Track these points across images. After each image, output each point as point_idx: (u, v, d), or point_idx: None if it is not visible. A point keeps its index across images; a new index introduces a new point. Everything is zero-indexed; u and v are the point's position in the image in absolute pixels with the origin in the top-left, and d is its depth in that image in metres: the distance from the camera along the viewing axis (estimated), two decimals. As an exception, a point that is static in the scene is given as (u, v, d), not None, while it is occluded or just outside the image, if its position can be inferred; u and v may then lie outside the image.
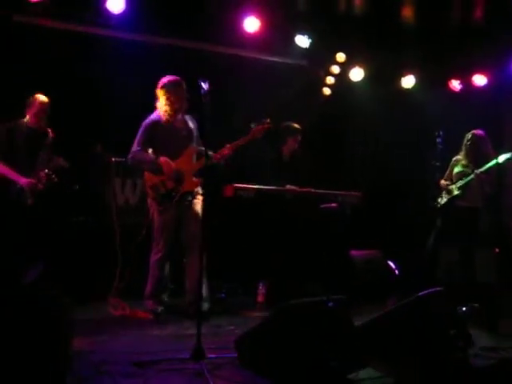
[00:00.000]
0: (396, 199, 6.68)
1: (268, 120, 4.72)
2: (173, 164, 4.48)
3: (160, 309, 4.54)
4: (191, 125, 4.66)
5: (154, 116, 4.59)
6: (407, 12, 6.31)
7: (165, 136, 4.54)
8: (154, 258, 4.59)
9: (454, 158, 5.65)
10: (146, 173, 4.58)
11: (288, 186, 5.47)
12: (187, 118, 4.67)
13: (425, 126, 6.03)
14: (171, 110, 4.52)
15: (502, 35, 6.31)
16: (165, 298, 4.70)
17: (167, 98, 4.50)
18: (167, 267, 4.69)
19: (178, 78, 4.55)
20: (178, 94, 4.52)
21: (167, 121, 4.55)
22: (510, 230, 7.04)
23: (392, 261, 5.97)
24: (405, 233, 6.40)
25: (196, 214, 4.52)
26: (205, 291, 4.33)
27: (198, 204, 4.57)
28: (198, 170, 4.55)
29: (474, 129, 5.68)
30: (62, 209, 5.03)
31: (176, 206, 4.51)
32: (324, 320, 3.00)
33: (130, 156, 4.53)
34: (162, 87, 4.51)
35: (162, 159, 4.46)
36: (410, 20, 6.35)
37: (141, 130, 4.55)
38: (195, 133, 4.65)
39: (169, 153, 4.50)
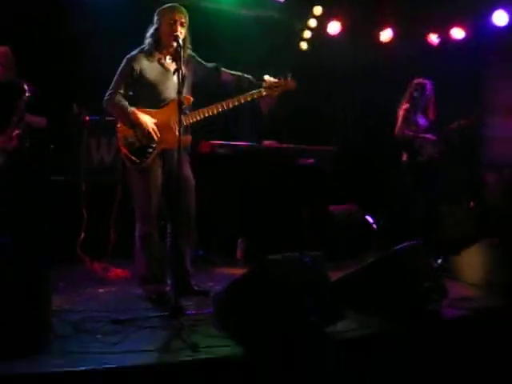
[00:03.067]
0: (373, 154, 6.70)
1: (290, 77, 3.97)
2: (146, 116, 3.75)
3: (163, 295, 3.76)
4: (186, 67, 3.75)
5: (138, 50, 3.86)
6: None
7: (149, 77, 3.79)
8: (140, 233, 3.85)
9: (404, 107, 5.69)
10: (119, 124, 3.85)
11: (265, 142, 5.46)
12: (187, 57, 3.82)
13: (403, 79, 5.99)
14: (160, 39, 3.80)
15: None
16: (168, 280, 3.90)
17: (159, 25, 3.78)
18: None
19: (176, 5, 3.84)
20: (172, 19, 3.74)
21: (155, 57, 3.82)
22: (485, 184, 7.16)
23: (370, 215, 6.04)
24: (382, 188, 6.45)
25: (186, 180, 3.81)
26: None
27: (187, 165, 3.91)
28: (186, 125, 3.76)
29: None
30: (36, 169, 4.96)
31: (159, 165, 3.82)
32: (301, 275, 3.04)
33: (104, 100, 3.82)
34: (159, 11, 3.82)
35: (132, 112, 3.72)
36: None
37: (121, 65, 3.83)
38: (190, 79, 3.89)
39: (150, 99, 3.81)
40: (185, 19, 3.79)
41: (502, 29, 6.71)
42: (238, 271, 4.68)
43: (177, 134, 3.54)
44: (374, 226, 5.97)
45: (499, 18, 6.63)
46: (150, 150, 3.77)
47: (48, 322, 2.87)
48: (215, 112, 3.85)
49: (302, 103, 6.45)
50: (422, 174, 5.66)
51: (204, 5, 6.09)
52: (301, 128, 6.04)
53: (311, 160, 5.65)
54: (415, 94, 5.64)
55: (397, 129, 5.68)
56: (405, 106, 5.66)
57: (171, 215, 3.89)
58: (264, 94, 3.88)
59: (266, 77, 3.93)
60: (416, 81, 5.74)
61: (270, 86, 3.89)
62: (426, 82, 5.74)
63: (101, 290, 4.13)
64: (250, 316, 2.93)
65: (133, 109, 3.75)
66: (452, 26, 7.02)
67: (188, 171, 3.92)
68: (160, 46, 3.82)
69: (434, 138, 5.64)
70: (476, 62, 7.09)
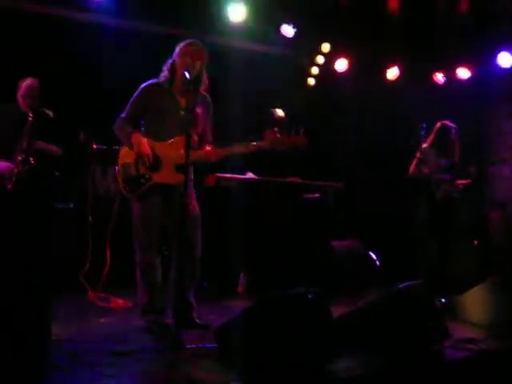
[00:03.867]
0: (379, 191, 6.69)
1: (303, 135, 3.70)
2: (146, 145, 3.67)
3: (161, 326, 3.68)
4: (200, 107, 3.80)
5: (153, 80, 3.83)
6: (393, 3, 6.31)
7: (159, 109, 3.75)
8: (140, 263, 3.77)
9: (424, 146, 5.73)
10: (123, 149, 3.82)
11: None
12: (202, 96, 3.82)
13: (409, 118, 6.05)
14: (177, 74, 3.72)
15: (486, 29, 6.35)
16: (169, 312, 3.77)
17: (176, 58, 3.73)
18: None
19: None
20: (195, 57, 3.68)
21: (169, 90, 3.75)
22: (490, 221, 7.14)
23: (373, 251, 5.99)
24: (387, 224, 6.42)
25: (191, 212, 3.72)
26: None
27: (193, 198, 3.84)
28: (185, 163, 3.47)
29: (455, 121, 5.84)
30: (42, 195, 4.97)
31: (159, 196, 3.74)
32: (304, 312, 3.00)
33: (115, 123, 3.85)
34: (179, 44, 3.77)
35: (135, 137, 3.67)
36: (396, 11, 6.35)
37: (135, 93, 3.82)
38: (204, 119, 3.85)
39: (157, 131, 3.75)
40: (202, 54, 3.77)
41: (507, 70, 6.75)
42: (241, 304, 4.69)
43: (174, 170, 3.60)
44: (377, 262, 5.92)
45: (504, 59, 6.69)
46: (144, 180, 3.71)
47: (47, 352, 2.82)
48: (213, 160, 3.81)
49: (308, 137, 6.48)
50: (438, 213, 5.68)
51: (215, 41, 6.15)
52: (307, 163, 6.02)
53: (317, 195, 5.63)
54: (436, 136, 5.77)
55: (412, 167, 5.74)
56: (424, 145, 5.71)
57: (176, 247, 3.78)
58: (268, 146, 3.72)
59: (276, 129, 3.84)
60: (440, 123, 5.85)
61: (277, 141, 3.71)
62: (450, 125, 5.86)
63: (101, 321, 4.08)
64: (251, 352, 2.88)
65: (137, 133, 3.73)
66: (458, 66, 7.11)
67: (194, 204, 3.86)
68: (174, 79, 3.79)
69: (449, 177, 5.73)
70: (481, 102, 7.15)
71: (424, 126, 5.72)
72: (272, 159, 5.55)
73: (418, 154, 5.72)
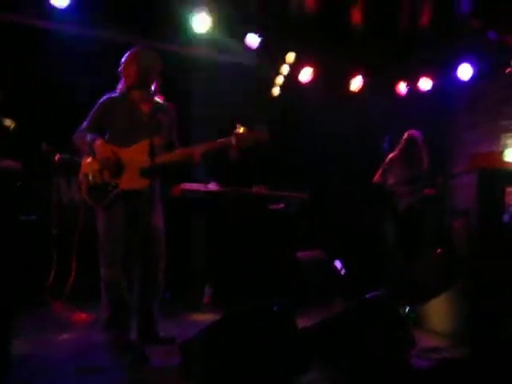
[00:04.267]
0: (345, 201, 6.72)
1: (265, 131, 3.75)
2: (110, 150, 3.64)
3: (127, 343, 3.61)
4: (163, 113, 3.81)
5: (112, 92, 3.84)
6: (357, 15, 6.38)
7: (121, 116, 3.73)
8: (104, 277, 3.70)
9: (390, 157, 5.80)
10: (85, 159, 3.77)
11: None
12: (162, 104, 3.86)
13: (372, 128, 6.12)
14: (134, 82, 3.74)
15: (447, 42, 6.47)
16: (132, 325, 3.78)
17: (132, 68, 3.73)
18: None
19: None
20: (148, 63, 3.75)
21: (128, 98, 3.76)
22: (453, 230, 7.24)
23: (338, 261, 6.02)
24: (352, 234, 6.46)
25: (156, 225, 3.73)
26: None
27: (158, 211, 3.80)
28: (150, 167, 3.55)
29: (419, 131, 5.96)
30: (3, 207, 4.84)
31: (124, 207, 3.67)
32: (269, 326, 2.99)
33: (75, 133, 3.82)
34: (134, 53, 3.78)
35: (98, 143, 3.63)
36: (360, 22, 6.42)
37: (96, 105, 3.81)
38: (167, 124, 3.83)
39: (120, 137, 3.71)
40: (158, 63, 3.80)
41: (467, 82, 6.93)
42: (206, 317, 4.67)
43: (139, 174, 3.56)
44: (342, 272, 5.94)
45: (464, 71, 6.84)
46: (111, 188, 3.66)
47: (7, 369, 2.74)
48: (181, 158, 3.74)
49: (272, 148, 6.48)
50: (402, 223, 5.80)
51: (179, 51, 6.17)
52: (271, 173, 6.03)
53: (282, 205, 5.64)
54: (403, 147, 5.86)
55: (377, 176, 5.88)
56: (391, 155, 5.81)
57: (140, 260, 3.74)
58: (233, 143, 3.70)
59: (239, 125, 3.76)
60: (407, 133, 5.95)
61: (241, 137, 3.70)
62: (417, 134, 5.95)
63: (64, 336, 3.99)
64: (217, 367, 2.85)
65: (100, 139, 3.68)
66: (420, 77, 7.25)
67: (157, 216, 3.80)
68: (134, 87, 3.79)
69: (412, 189, 5.81)
70: (442, 113, 7.29)
71: (388, 137, 5.79)
72: (236, 169, 5.58)
73: (383, 164, 5.80)
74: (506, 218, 6.87)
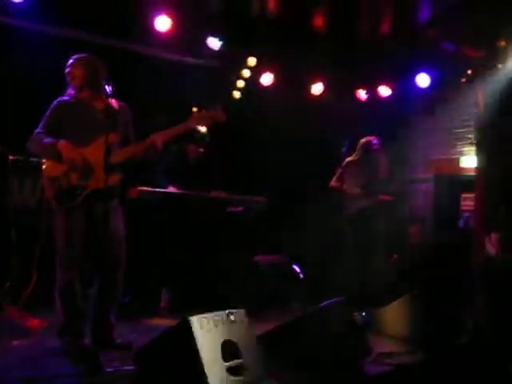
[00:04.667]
0: (301, 205, 6.73)
1: (221, 109, 3.86)
2: (75, 150, 3.59)
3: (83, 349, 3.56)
4: (117, 111, 3.78)
5: (64, 96, 3.80)
6: (318, 20, 6.42)
7: (75, 117, 3.68)
8: (60, 282, 3.62)
9: (347, 161, 5.88)
10: (45, 163, 3.71)
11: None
12: (115, 103, 3.82)
13: (333, 133, 6.17)
14: (83, 82, 3.74)
15: (406, 49, 6.56)
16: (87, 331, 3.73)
17: (79, 70, 3.73)
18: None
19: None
20: (94, 65, 3.76)
21: (80, 98, 3.73)
22: (409, 236, 7.36)
23: (297, 265, 6.04)
24: (310, 237, 6.47)
25: (116, 230, 3.73)
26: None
27: (119, 215, 3.79)
28: (116, 163, 3.64)
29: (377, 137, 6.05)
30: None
31: (85, 209, 3.62)
32: (226, 332, 2.97)
33: (29, 140, 3.70)
34: (76, 58, 3.78)
35: (62, 143, 3.56)
36: (321, 28, 6.46)
37: (47, 111, 3.75)
38: (122, 121, 3.81)
39: (77, 138, 3.63)
40: (104, 67, 3.80)
41: (424, 89, 7.06)
42: (162, 321, 4.64)
43: (104, 172, 3.53)
44: (301, 275, 5.97)
45: (422, 79, 6.96)
46: (79, 191, 3.59)
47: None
48: (143, 149, 3.72)
49: (232, 152, 6.53)
50: (354, 228, 5.86)
51: (140, 51, 6.11)
52: (231, 177, 6.01)
53: (240, 208, 5.61)
54: (360, 152, 5.92)
55: (333, 180, 5.97)
56: (348, 159, 5.87)
57: (98, 264, 3.71)
58: (192, 125, 3.78)
59: (195, 109, 3.85)
60: (364, 139, 6.01)
61: (199, 117, 3.78)
62: (374, 140, 6.00)
63: (15, 343, 3.85)
64: (171, 375, 2.82)
65: (63, 140, 3.61)
66: (379, 84, 7.37)
67: (118, 220, 3.78)
68: (83, 87, 3.76)
69: (361, 193, 5.86)
70: (400, 120, 7.41)
71: (347, 142, 5.85)
72: (195, 173, 5.56)
73: (339, 168, 5.85)
74: (461, 223, 7.03)
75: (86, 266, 3.72)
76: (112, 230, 3.69)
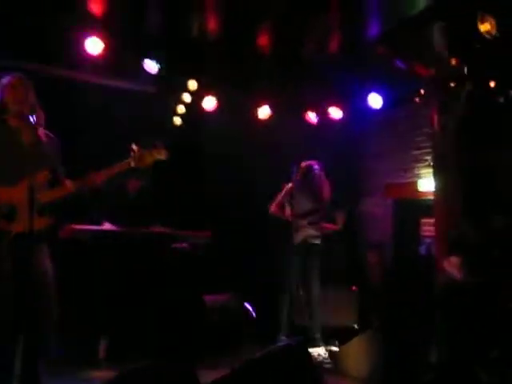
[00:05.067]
0: (251, 237, 6.72)
1: (162, 147, 3.88)
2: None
3: None
4: (48, 142, 3.64)
5: None
6: (263, 41, 6.44)
7: None
8: None
9: (287, 187, 5.91)
10: None
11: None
12: (46, 134, 3.67)
13: (282, 159, 6.18)
14: (11, 107, 3.58)
15: (357, 70, 6.66)
16: None
17: (6, 93, 3.59)
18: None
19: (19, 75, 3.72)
20: (24, 88, 3.60)
21: (5, 125, 3.58)
22: (367, 264, 7.39)
23: (249, 304, 5.99)
24: (262, 273, 6.44)
25: (44, 276, 3.54)
26: None
27: (46, 258, 3.60)
28: (45, 204, 3.50)
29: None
30: None
31: (8, 256, 3.43)
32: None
33: None
34: (4, 81, 3.64)
35: None
36: (266, 48, 6.48)
37: None
38: (52, 155, 3.67)
39: (2, 175, 3.49)
40: (30, 86, 3.66)
41: (376, 111, 7.17)
42: (100, 374, 4.53)
43: (30, 215, 3.25)
44: (253, 314, 5.92)
45: (374, 100, 7.07)
46: (3, 233, 3.42)
47: None
48: (74, 190, 3.63)
49: (175, 184, 6.49)
50: (299, 259, 5.80)
51: (72, 76, 6.06)
52: (173, 211, 5.95)
53: (185, 245, 5.58)
54: (300, 177, 5.90)
55: (273, 207, 5.92)
56: (288, 186, 5.85)
57: (24, 314, 3.46)
58: (133, 164, 3.72)
59: (134, 146, 3.76)
60: (304, 163, 6.00)
61: (139, 157, 3.72)
62: (314, 165, 6.01)
63: None
64: None
65: None
66: (330, 106, 7.43)
67: (45, 265, 3.59)
68: (8, 115, 3.59)
69: (310, 222, 5.86)
70: (352, 142, 7.49)
71: (295, 166, 5.87)
72: (132, 208, 5.47)
73: (279, 195, 5.83)
74: (422, 249, 7.08)
75: (10, 318, 3.50)
76: (39, 277, 3.47)
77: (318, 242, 5.93)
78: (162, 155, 3.85)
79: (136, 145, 3.75)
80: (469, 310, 4.38)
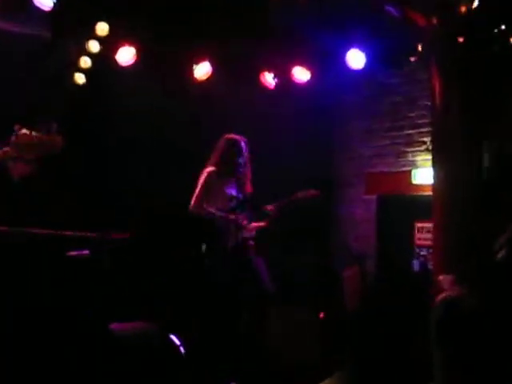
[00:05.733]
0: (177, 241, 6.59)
1: (55, 130, 3.68)
2: None
3: None
4: None
5: None
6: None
7: None
8: None
9: (205, 172, 5.85)
10: None
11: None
12: None
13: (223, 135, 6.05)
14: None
15: (331, 16, 6.53)
16: None
17: None
18: None
19: None
20: None
21: None
22: (343, 283, 7.29)
23: (175, 335, 5.77)
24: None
25: None
26: None
27: None
28: None
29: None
30: None
31: None
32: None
33: None
34: None
35: None
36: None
37: None
38: None
39: None
40: None
41: (358, 73, 7.14)
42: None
43: None
44: (182, 350, 5.71)
45: (354, 58, 7.00)
46: None
47: None
48: None
49: (70, 169, 6.33)
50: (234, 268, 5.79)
51: None
52: (71, 204, 5.97)
53: (86, 252, 5.49)
54: (226, 155, 5.83)
55: (193, 201, 5.77)
56: (209, 169, 5.79)
57: None
58: (14, 154, 3.52)
59: (19, 128, 3.52)
60: (227, 136, 5.91)
61: (24, 145, 3.48)
62: (239, 139, 5.93)
63: None
64: None
65: None
66: (293, 65, 7.36)
67: None
68: None
69: (245, 221, 5.87)
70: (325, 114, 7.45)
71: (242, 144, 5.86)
72: (18, 197, 5.42)
73: (199, 184, 5.77)
74: (415, 265, 7.06)
75: None
76: None
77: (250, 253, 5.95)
78: (55, 144, 3.54)
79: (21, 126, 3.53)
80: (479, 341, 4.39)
